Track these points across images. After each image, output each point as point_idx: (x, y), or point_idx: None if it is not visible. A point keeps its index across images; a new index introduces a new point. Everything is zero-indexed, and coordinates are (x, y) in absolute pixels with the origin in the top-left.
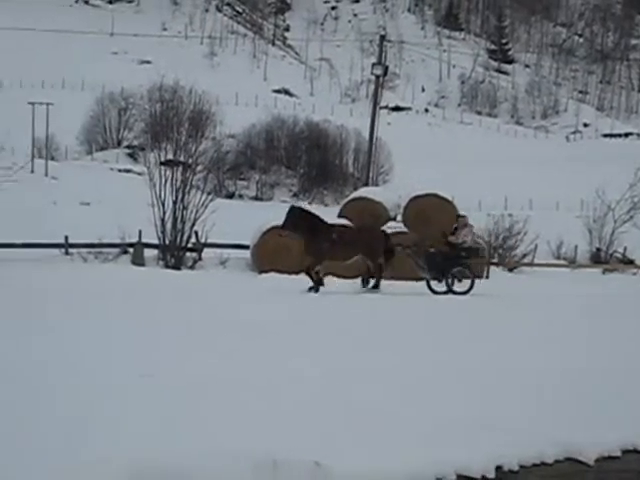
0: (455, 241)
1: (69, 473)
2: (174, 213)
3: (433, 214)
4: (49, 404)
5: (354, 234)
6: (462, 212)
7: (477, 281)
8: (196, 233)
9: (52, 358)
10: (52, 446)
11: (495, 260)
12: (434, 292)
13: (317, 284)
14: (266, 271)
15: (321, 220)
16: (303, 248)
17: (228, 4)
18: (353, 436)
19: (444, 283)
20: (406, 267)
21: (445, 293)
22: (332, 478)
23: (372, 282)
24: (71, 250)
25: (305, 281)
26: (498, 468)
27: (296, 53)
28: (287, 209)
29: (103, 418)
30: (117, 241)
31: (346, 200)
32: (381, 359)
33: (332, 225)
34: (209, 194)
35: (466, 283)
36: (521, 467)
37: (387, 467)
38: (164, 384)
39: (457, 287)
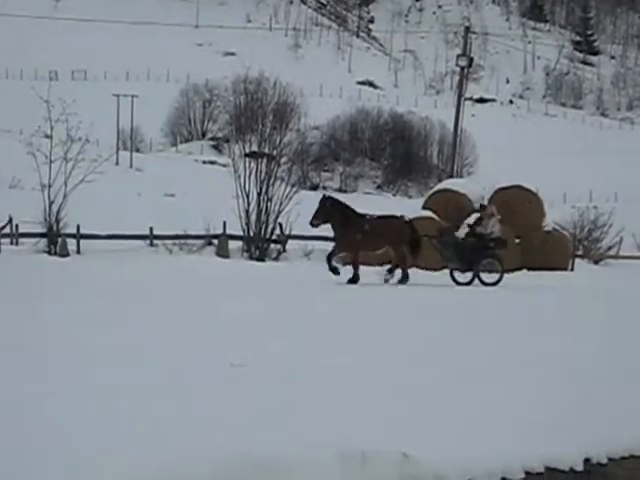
0: (483, 231)
1: (165, 465)
2: (258, 205)
3: (518, 206)
4: (144, 394)
5: (384, 224)
6: (486, 202)
7: (563, 273)
8: (280, 225)
9: (142, 349)
10: (147, 438)
11: (580, 252)
12: (457, 283)
13: (356, 277)
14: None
15: (353, 210)
16: (336, 239)
17: None
18: (438, 426)
19: (469, 274)
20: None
21: (468, 284)
22: (420, 469)
23: (399, 273)
24: (156, 241)
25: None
26: (586, 461)
27: (380, 45)
28: (319, 200)
29: (197, 409)
30: (202, 233)
31: (430, 192)
32: (473, 347)
33: (363, 215)
34: (293, 186)
35: (495, 274)
36: (610, 460)
37: (474, 458)
38: (254, 374)
39: (487, 278)
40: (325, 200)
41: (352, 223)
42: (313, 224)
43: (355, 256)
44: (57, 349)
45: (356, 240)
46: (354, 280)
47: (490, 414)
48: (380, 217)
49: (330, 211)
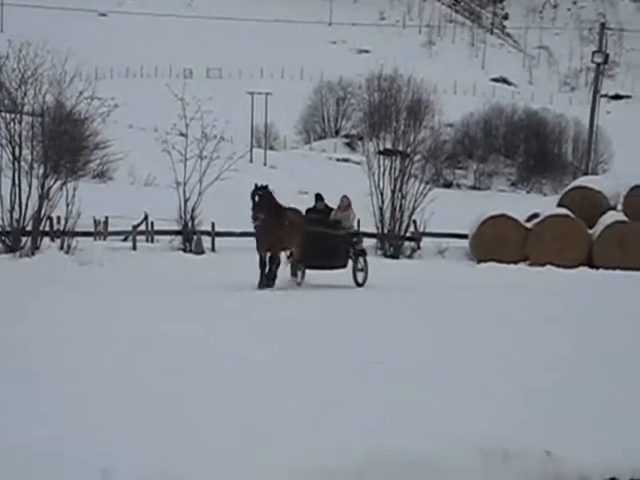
0: (336, 218)
1: (310, 460)
2: (392, 202)
3: None
4: (283, 387)
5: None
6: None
7: None
8: (414, 222)
9: (288, 345)
10: (293, 435)
11: None
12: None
13: (273, 277)
14: (485, 260)
15: (279, 203)
16: (263, 234)
17: None
18: (578, 424)
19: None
20: None
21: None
22: (564, 468)
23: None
24: None
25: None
26: None
27: (514, 41)
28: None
29: (340, 403)
30: None
31: (566, 189)
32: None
33: (287, 209)
34: (427, 183)
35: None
36: None
37: (615, 456)
38: (393, 371)
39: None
40: (258, 189)
41: (282, 216)
42: (254, 220)
43: (276, 253)
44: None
45: (282, 235)
46: (271, 279)
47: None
48: (291, 209)
49: (265, 202)
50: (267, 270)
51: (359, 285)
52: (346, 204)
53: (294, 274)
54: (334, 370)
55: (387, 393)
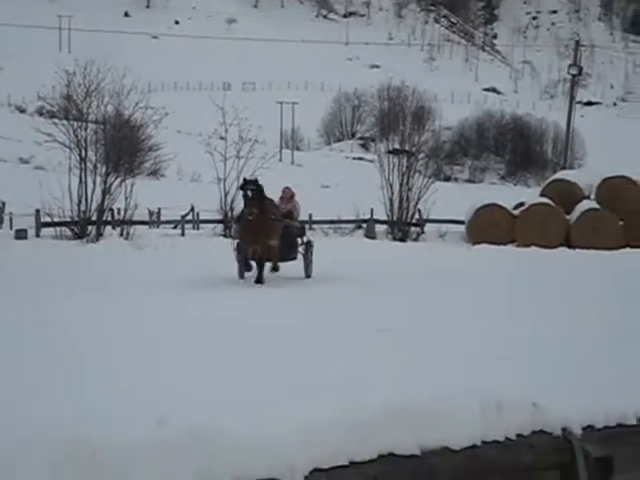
0: (281, 212)
1: (341, 412)
2: (400, 194)
3: (622, 193)
4: (321, 352)
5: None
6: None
7: None
8: (419, 210)
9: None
10: (326, 389)
11: None
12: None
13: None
14: (479, 243)
15: (268, 198)
16: (254, 229)
17: (444, 16)
18: (559, 377)
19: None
20: None
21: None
22: (549, 417)
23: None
24: (314, 226)
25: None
26: None
27: (503, 57)
28: (242, 182)
29: (360, 367)
30: (353, 218)
31: (547, 182)
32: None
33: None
34: (429, 178)
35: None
36: None
37: (593, 405)
38: (399, 338)
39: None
40: (249, 183)
41: (268, 211)
42: (250, 215)
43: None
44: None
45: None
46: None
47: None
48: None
49: (258, 196)
50: (257, 273)
51: (308, 277)
52: (289, 194)
53: (275, 269)
54: (353, 336)
55: (396, 359)
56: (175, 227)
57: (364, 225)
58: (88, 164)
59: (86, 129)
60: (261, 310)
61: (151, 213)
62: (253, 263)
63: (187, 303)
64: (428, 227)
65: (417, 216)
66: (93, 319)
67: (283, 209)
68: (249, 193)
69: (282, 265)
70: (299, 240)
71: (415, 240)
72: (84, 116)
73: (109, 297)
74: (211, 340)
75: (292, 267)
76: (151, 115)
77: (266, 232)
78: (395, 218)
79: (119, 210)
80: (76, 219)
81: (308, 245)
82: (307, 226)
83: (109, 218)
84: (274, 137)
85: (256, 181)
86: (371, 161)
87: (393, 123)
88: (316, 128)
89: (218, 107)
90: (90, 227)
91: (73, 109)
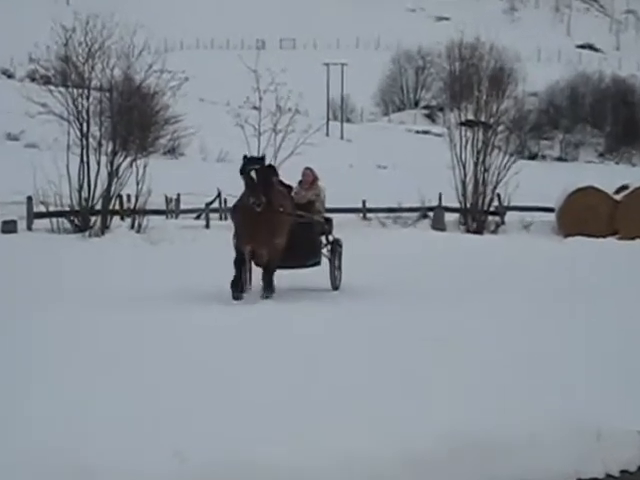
0: (300, 201)
1: (389, 436)
2: (475, 175)
3: None
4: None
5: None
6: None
7: None
8: (498, 196)
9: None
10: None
11: None
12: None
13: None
14: (572, 235)
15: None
16: (261, 224)
17: None
18: None
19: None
20: None
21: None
22: None
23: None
24: (369, 215)
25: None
26: None
27: (600, 6)
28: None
29: (416, 381)
30: (416, 205)
31: None
32: None
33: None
34: (511, 155)
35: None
36: None
37: None
38: (461, 352)
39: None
40: (251, 161)
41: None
42: (256, 202)
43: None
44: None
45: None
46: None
47: None
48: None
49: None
50: (266, 278)
51: (336, 288)
52: (311, 179)
53: (268, 286)
54: (405, 345)
55: (459, 375)
56: (198, 217)
57: (430, 214)
58: (91, 141)
59: (88, 98)
60: (279, 328)
61: (168, 200)
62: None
63: (199, 316)
64: (509, 216)
65: (496, 203)
66: (91, 332)
67: (302, 197)
68: (253, 176)
69: (301, 273)
70: (323, 239)
71: (493, 232)
72: (86, 82)
73: (112, 306)
74: (227, 360)
75: (315, 275)
76: (168, 80)
77: (272, 229)
78: (469, 205)
79: (129, 197)
80: (77, 208)
81: (335, 246)
82: (327, 218)
83: (117, 207)
84: (319, 107)
85: (263, 159)
86: (439, 135)
87: (466, 88)
88: (370, 95)
89: (250, 70)
90: (94, 218)
91: (72, 73)
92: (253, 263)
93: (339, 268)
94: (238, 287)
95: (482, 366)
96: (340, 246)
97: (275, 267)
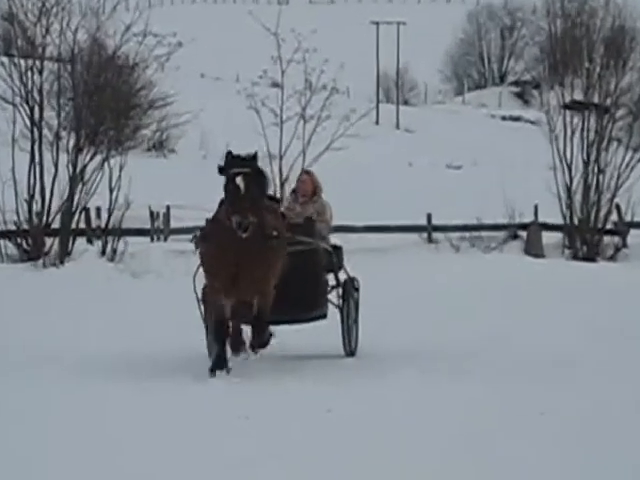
0: (295, 220)
1: None
2: (585, 179)
3: None
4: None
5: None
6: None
7: None
8: (618, 207)
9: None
10: None
11: None
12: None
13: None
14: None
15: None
16: (247, 257)
17: None
18: None
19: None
20: None
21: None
22: None
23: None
24: (436, 235)
25: None
26: None
27: None
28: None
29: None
30: (502, 221)
31: None
32: None
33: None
34: (635, 150)
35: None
36: None
37: None
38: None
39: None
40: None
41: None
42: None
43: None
44: None
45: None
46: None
47: None
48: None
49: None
50: (258, 328)
51: (351, 354)
52: (310, 188)
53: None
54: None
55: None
56: (194, 239)
57: (523, 234)
58: (45, 132)
59: (41, 72)
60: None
61: (154, 215)
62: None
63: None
64: (634, 236)
65: (615, 217)
66: (41, 413)
67: (297, 214)
68: (240, 183)
69: (298, 330)
70: (329, 278)
71: (611, 259)
72: (38, 50)
73: (70, 375)
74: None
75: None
76: (153, 47)
77: (265, 265)
78: (577, 221)
79: (99, 211)
80: (25, 227)
81: (349, 288)
82: (335, 246)
83: (82, 225)
84: (366, 83)
85: (254, 158)
86: (533, 123)
87: (572, 57)
88: (437, 67)
89: (268, 31)
90: (50, 240)
91: (19, 38)
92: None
93: (355, 322)
94: (222, 362)
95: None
96: (356, 289)
97: (268, 317)
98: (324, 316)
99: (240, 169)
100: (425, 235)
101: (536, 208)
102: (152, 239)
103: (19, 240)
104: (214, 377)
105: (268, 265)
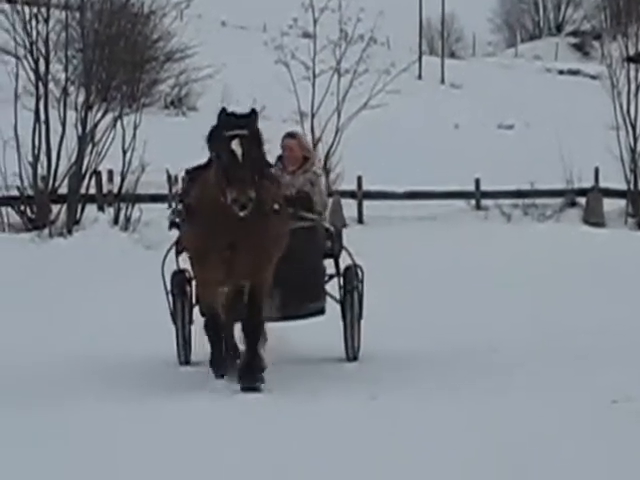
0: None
1: None
2: None
3: None
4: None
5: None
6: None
7: None
8: None
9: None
10: None
11: None
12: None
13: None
14: None
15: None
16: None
17: None
18: None
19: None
20: None
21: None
22: None
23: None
24: (485, 201)
25: None
26: None
27: None
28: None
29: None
30: (559, 187)
31: None
32: None
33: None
34: None
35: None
36: None
37: None
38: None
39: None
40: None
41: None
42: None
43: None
44: None
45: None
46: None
47: None
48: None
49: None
50: (246, 355)
51: (354, 358)
52: (299, 155)
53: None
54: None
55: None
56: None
57: (582, 200)
58: (52, 87)
59: (47, 20)
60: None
61: (172, 179)
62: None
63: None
64: None
65: None
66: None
67: (285, 186)
68: (235, 149)
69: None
70: (327, 264)
71: None
72: None
73: (72, 362)
74: None
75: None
76: None
77: (267, 247)
78: None
79: (111, 174)
80: (29, 193)
81: (349, 276)
82: (338, 228)
83: (92, 190)
84: (407, 33)
85: (252, 115)
86: (594, 77)
87: (637, 4)
88: (487, 15)
89: None
90: (56, 207)
91: None
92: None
93: (358, 319)
94: (223, 365)
95: None
96: (360, 280)
97: (261, 316)
98: (322, 311)
99: (235, 130)
100: (473, 202)
101: (596, 172)
102: (169, 206)
103: (22, 207)
104: (220, 371)
105: (269, 247)
